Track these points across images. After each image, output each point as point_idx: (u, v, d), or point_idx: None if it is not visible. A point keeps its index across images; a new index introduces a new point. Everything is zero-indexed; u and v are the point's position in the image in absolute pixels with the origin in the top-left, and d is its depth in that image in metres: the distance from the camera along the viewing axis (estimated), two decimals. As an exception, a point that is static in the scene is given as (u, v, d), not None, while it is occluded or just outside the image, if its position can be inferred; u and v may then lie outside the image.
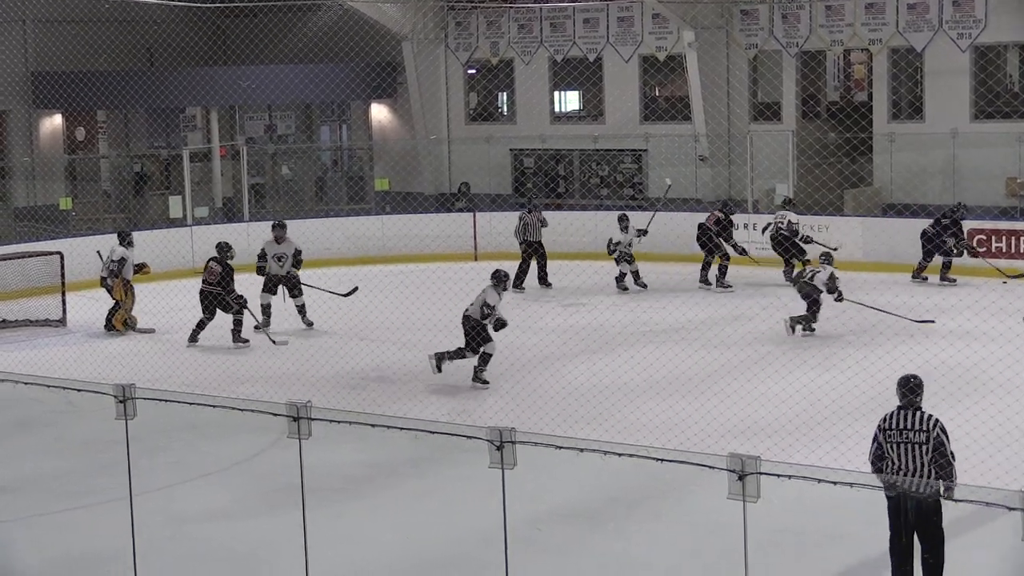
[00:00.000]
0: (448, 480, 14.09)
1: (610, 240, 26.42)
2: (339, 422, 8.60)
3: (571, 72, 34.96)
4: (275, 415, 8.51)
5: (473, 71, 36.77)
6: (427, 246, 30.15)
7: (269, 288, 23.50)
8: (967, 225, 26.30)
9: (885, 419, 10.76)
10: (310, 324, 23.61)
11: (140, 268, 24.39)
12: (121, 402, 9.10)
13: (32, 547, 12.82)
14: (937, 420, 10.56)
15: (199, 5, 33.21)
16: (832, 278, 22.00)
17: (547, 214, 28.55)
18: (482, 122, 36.60)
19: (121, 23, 35.37)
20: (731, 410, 16.60)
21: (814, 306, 21.93)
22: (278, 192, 37.50)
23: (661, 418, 16.56)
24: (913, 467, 10.48)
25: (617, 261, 26.65)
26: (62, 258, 25.45)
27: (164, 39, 36.68)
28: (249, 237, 27.26)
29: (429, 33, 35.90)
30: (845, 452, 13.74)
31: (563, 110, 36.16)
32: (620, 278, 26.73)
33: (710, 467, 7.68)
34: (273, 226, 24.29)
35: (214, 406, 9.60)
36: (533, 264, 27.45)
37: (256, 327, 22.65)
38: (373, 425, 8.81)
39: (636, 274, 26.80)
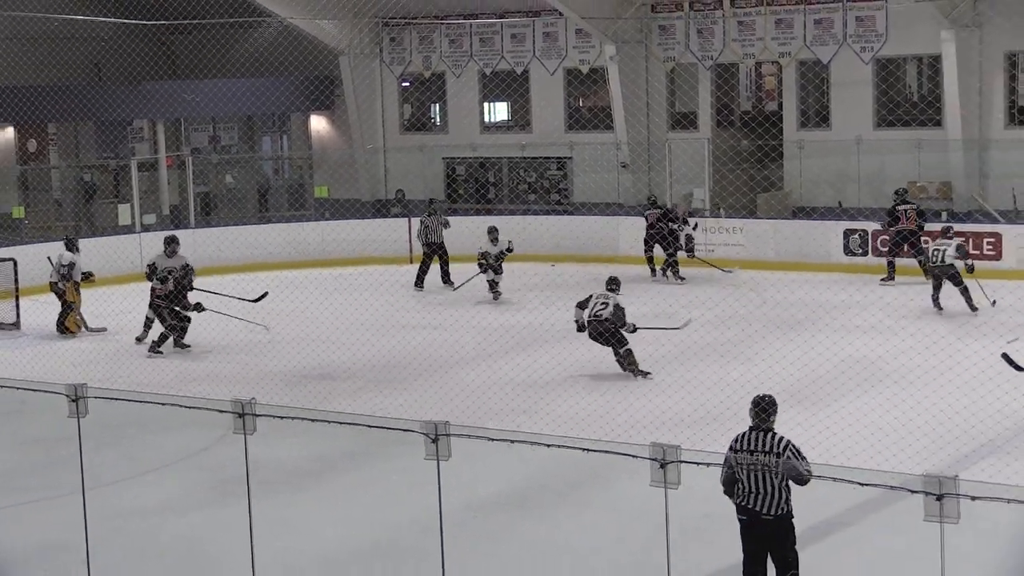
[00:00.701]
0: (386, 472, 14.06)
1: (480, 251, 25.95)
2: (282, 417, 8.58)
3: (500, 84, 34.97)
4: (221, 412, 8.47)
5: (407, 84, 36.73)
6: (364, 250, 30.04)
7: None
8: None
9: (737, 440, 9.84)
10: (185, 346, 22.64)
11: (87, 276, 24.24)
12: (73, 401, 9.04)
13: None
14: (788, 442, 9.68)
15: (144, 22, 32.95)
16: (960, 248, 22.17)
17: (477, 219, 28.56)
18: (416, 132, 36.56)
19: (69, 39, 35.09)
20: (653, 402, 16.64)
21: (959, 283, 22.15)
22: (222, 200, 37.29)
23: (587, 410, 16.63)
24: (764, 489, 9.60)
25: (482, 268, 26.05)
26: (15, 264, 25.22)
27: (111, 54, 36.38)
28: (195, 243, 27.14)
29: (365, 48, 35.83)
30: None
31: (492, 120, 36.20)
32: (493, 285, 26.12)
33: (634, 456, 7.70)
34: (165, 240, 23.69)
35: (163, 404, 9.57)
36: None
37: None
38: (314, 420, 8.79)
39: (493, 284, 26.17)
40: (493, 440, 8.09)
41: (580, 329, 19.30)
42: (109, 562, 9.91)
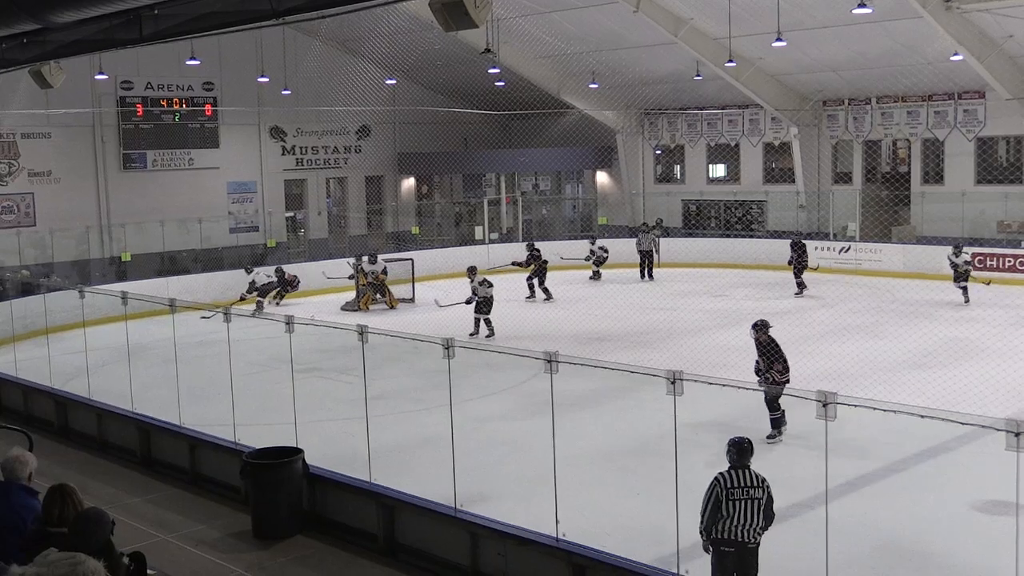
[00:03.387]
0: (640, 402, 14.02)
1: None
2: (573, 363, 8.60)
3: (719, 152, 34.44)
4: (536, 359, 8.55)
5: (659, 152, 36.43)
6: (629, 258, 29.97)
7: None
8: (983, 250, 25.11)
9: (725, 478, 7.55)
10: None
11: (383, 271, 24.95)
12: (446, 348, 9.24)
13: (394, 431, 13.14)
14: (764, 478, 7.65)
15: (494, 112, 33.66)
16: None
17: (698, 240, 28.31)
18: (664, 183, 36.23)
19: (448, 123, 36.04)
20: (814, 363, 16.15)
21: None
22: (540, 224, 37.73)
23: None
24: (752, 520, 7.45)
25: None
26: (412, 262, 26.09)
27: (473, 132, 37.24)
28: (522, 251, 27.49)
29: (632, 128, 35.70)
30: (896, 392, 13.24)
31: (714, 176, 35.58)
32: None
33: (805, 398, 7.46)
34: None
35: (500, 352, 9.69)
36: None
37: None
38: (594, 366, 8.78)
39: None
40: (710, 384, 7.94)
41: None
42: (466, 448, 10.15)
